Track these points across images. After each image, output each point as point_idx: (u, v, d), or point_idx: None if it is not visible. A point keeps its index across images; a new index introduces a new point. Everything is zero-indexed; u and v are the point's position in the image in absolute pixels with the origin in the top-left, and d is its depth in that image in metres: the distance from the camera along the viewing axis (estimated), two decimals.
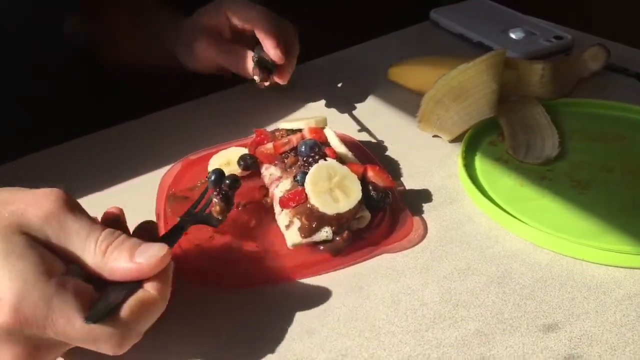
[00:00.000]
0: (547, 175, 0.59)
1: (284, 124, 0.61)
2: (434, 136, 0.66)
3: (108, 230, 0.40)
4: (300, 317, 0.45)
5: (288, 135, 0.58)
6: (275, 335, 0.44)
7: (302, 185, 0.51)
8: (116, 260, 0.39)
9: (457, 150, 0.62)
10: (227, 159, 0.58)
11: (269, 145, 0.57)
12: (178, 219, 0.49)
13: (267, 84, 0.67)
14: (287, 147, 0.57)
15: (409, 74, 0.74)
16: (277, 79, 0.69)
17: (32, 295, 0.36)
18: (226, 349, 0.43)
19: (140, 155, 0.65)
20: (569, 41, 0.83)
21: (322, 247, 0.50)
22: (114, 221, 0.44)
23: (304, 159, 0.54)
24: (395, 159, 0.63)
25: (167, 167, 0.61)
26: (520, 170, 0.59)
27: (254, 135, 0.60)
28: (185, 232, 0.48)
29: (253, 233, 0.53)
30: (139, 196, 0.57)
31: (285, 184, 0.54)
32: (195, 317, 0.46)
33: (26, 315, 0.35)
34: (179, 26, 0.73)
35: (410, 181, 0.59)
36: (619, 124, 0.66)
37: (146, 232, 0.44)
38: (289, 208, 0.51)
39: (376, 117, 0.70)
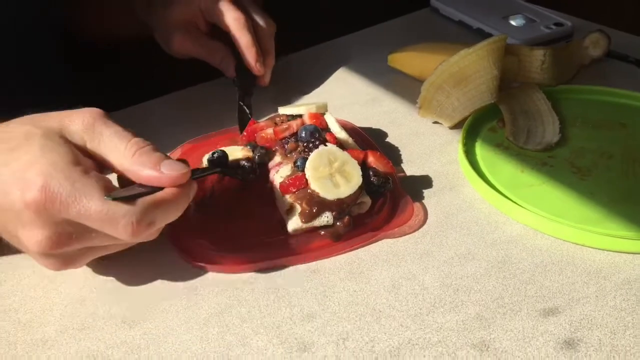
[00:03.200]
0: (547, 161, 0.59)
1: (285, 109, 0.61)
2: (435, 122, 0.66)
3: (139, 138, 0.44)
4: (301, 301, 0.46)
5: (288, 120, 0.58)
6: (276, 319, 0.44)
7: (303, 170, 0.51)
8: (143, 164, 0.43)
9: (457, 136, 0.62)
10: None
11: (269, 131, 0.57)
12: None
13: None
14: (287, 133, 0.57)
15: (409, 61, 0.74)
16: (260, 83, 0.70)
17: (58, 176, 0.40)
18: (227, 332, 0.43)
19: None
20: (569, 28, 0.83)
21: (322, 232, 0.50)
22: None
23: (305, 144, 0.54)
24: (396, 145, 0.63)
25: (167, 153, 0.60)
26: (521, 156, 0.59)
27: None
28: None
29: (254, 218, 0.53)
30: None
31: (286, 170, 0.53)
32: (196, 300, 0.46)
33: (53, 192, 0.40)
34: (152, 8, 0.70)
35: (411, 167, 0.59)
36: (619, 111, 0.66)
37: None
38: (290, 193, 0.51)
39: (377, 103, 0.70)
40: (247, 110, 0.65)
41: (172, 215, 0.44)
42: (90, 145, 0.43)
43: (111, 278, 0.48)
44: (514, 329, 0.43)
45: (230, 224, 0.52)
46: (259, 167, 0.55)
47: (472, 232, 0.52)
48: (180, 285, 0.47)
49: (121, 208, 0.41)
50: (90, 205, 0.40)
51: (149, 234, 0.43)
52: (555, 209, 0.52)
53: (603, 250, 0.49)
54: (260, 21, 0.70)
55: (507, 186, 0.55)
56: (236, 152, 0.56)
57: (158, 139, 0.62)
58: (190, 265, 0.48)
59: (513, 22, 0.84)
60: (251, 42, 0.67)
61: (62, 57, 0.74)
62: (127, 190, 0.42)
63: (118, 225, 0.41)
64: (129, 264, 0.48)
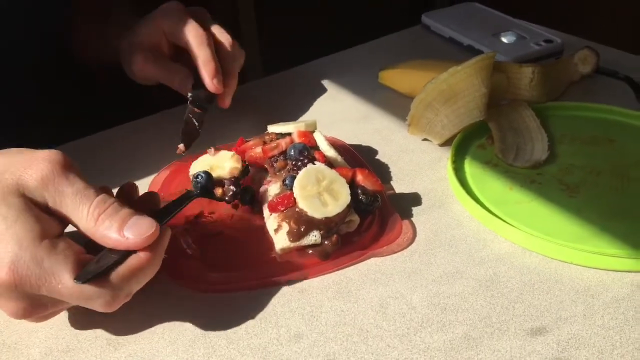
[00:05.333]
0: (536, 178, 0.59)
1: (274, 127, 0.61)
2: (424, 140, 0.66)
3: (102, 197, 0.42)
4: (288, 321, 0.45)
5: (277, 139, 0.58)
6: (262, 340, 0.44)
7: (291, 189, 0.51)
8: (106, 230, 0.41)
9: (446, 153, 0.62)
10: (209, 164, 0.55)
11: (258, 149, 0.57)
12: (185, 190, 0.50)
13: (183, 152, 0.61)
14: (276, 151, 0.57)
15: (399, 78, 0.74)
16: (219, 104, 0.67)
17: (25, 257, 0.39)
18: (213, 353, 0.43)
19: (128, 160, 0.64)
20: (559, 45, 0.83)
21: (310, 251, 0.50)
22: (127, 194, 0.47)
23: (293, 162, 0.54)
24: (385, 162, 0.63)
25: (155, 172, 0.60)
26: (510, 173, 0.59)
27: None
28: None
29: (242, 237, 0.53)
30: None
31: (274, 188, 0.53)
32: (182, 321, 0.46)
33: (21, 275, 0.39)
34: (124, 32, 0.69)
35: (400, 185, 0.59)
36: (608, 127, 0.66)
37: (148, 204, 0.47)
38: (278, 212, 0.51)
39: (366, 120, 0.71)
40: (197, 124, 0.62)
41: (149, 276, 0.43)
42: (52, 205, 0.41)
43: None
44: (502, 349, 0.43)
45: (218, 243, 0.52)
46: (245, 193, 0.54)
47: (460, 250, 0.51)
48: (166, 305, 0.47)
49: (94, 290, 0.40)
50: (61, 288, 0.39)
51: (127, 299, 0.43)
52: (543, 226, 0.52)
53: (591, 268, 0.49)
54: (225, 42, 0.67)
55: (495, 203, 0.55)
56: (225, 161, 0.54)
57: (148, 157, 0.63)
58: (176, 285, 0.48)
59: (504, 39, 0.85)
60: (209, 58, 0.64)
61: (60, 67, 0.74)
62: (96, 264, 0.40)
63: (94, 304, 0.40)
64: None
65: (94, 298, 0.40)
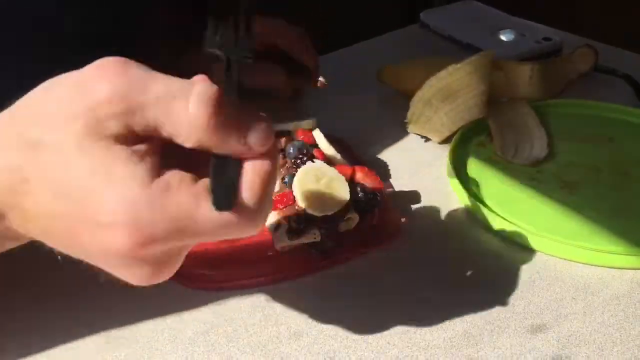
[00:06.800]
0: (536, 176, 0.59)
1: (273, 125, 0.60)
2: (423, 138, 0.66)
3: (201, 85, 0.31)
4: (287, 319, 0.45)
5: (277, 137, 0.58)
6: (262, 338, 0.44)
7: (290, 187, 0.51)
8: (227, 135, 0.30)
9: (446, 151, 0.62)
10: None
11: None
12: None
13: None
14: None
15: (398, 76, 0.74)
16: (316, 84, 0.72)
17: (142, 211, 0.29)
18: (212, 351, 0.43)
19: None
20: (558, 43, 0.83)
21: (310, 249, 0.50)
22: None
23: (292, 160, 0.54)
24: (385, 160, 0.63)
25: None
26: (509, 171, 0.59)
27: None
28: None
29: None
30: None
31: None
32: (181, 319, 0.46)
33: (145, 234, 0.29)
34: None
35: (399, 183, 0.59)
36: (607, 125, 0.66)
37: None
38: (277, 210, 0.51)
39: (366, 118, 0.70)
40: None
41: (275, 180, 0.33)
42: (141, 129, 0.30)
43: (95, 297, 0.47)
44: (502, 346, 0.43)
45: (218, 241, 0.52)
46: None
47: (460, 248, 0.51)
48: (165, 303, 0.47)
49: (242, 216, 0.30)
50: (200, 226, 0.30)
51: None
52: (543, 224, 0.52)
53: (591, 265, 0.49)
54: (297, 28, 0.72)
55: (495, 201, 0.55)
56: None
57: None
58: (175, 283, 0.48)
59: (503, 37, 0.85)
60: (299, 38, 0.69)
61: None
62: (217, 178, 0.31)
63: (242, 233, 0.32)
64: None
65: (243, 227, 0.31)
